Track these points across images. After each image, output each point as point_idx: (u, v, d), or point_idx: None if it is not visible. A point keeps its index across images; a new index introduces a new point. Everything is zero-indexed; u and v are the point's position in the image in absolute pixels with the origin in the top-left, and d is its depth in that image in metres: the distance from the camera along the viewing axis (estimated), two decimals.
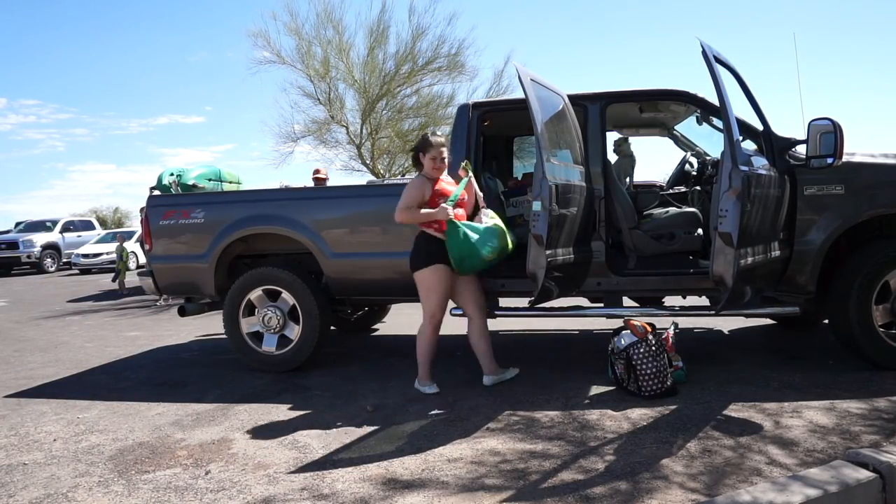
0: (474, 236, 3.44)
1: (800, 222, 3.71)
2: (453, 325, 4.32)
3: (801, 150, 3.70)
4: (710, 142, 4.92)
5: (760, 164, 3.47)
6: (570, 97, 4.04)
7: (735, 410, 3.16)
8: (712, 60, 3.19)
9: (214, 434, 3.19)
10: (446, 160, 3.67)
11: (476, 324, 3.77)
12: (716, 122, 4.29)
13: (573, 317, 4.29)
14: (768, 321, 5.38)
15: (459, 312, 3.94)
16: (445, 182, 3.69)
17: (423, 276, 3.62)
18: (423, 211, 3.56)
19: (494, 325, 5.65)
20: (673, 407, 3.24)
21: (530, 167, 5.23)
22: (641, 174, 5.30)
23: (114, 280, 12.01)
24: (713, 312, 3.96)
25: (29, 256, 17.67)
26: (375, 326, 6.22)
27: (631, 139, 5.23)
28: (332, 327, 5.62)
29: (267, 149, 22.60)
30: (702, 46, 3.22)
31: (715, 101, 3.37)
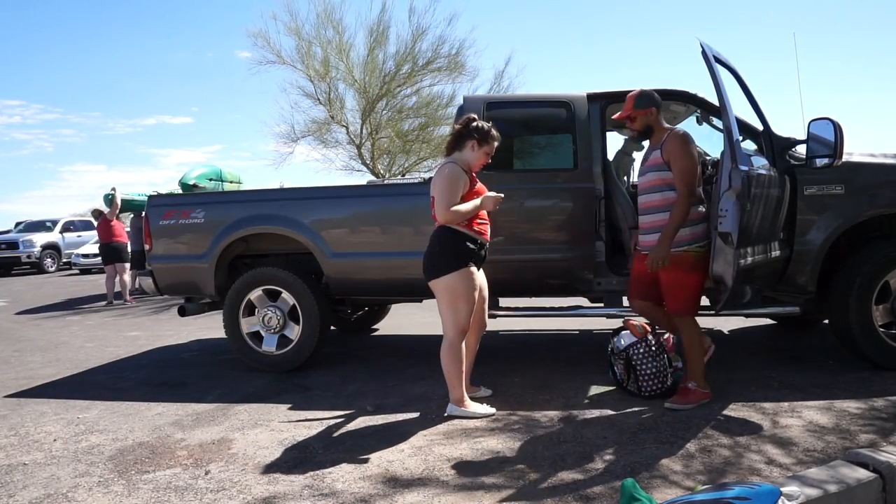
0: None
1: (800, 222, 3.71)
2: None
3: (801, 150, 3.70)
4: (710, 142, 4.91)
5: (760, 164, 3.47)
6: (570, 97, 4.04)
7: (735, 410, 3.16)
8: (712, 60, 3.19)
9: (214, 434, 3.19)
10: None
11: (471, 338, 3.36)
12: (716, 122, 4.28)
13: (573, 317, 4.30)
14: (768, 321, 5.38)
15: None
16: (479, 182, 3.31)
17: (453, 281, 3.03)
18: (468, 205, 3.06)
19: (494, 325, 5.67)
20: None
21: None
22: None
23: None
24: (713, 312, 3.96)
25: (29, 256, 17.64)
26: (375, 326, 6.23)
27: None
28: (332, 327, 5.62)
29: (258, 149, 22.71)
30: (701, 46, 3.22)
31: (715, 101, 3.37)
